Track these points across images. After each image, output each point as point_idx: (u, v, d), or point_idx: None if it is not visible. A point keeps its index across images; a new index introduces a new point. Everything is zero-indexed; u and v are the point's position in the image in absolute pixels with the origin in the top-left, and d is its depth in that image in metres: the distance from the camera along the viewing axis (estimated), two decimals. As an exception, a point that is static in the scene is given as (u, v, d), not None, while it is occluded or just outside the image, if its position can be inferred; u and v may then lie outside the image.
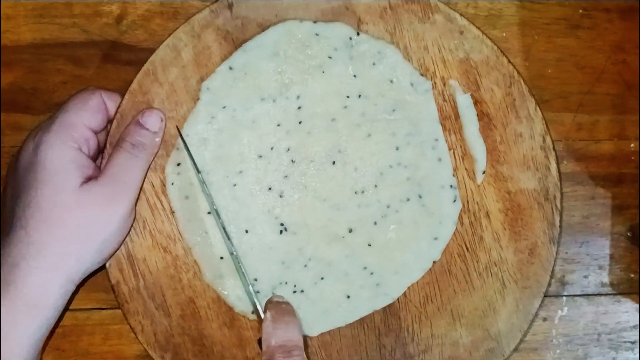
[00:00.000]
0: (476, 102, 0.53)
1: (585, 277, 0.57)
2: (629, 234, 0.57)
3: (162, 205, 0.52)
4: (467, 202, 0.53)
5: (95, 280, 0.53)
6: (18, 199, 0.46)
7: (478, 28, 0.53)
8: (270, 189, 0.52)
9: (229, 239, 0.50)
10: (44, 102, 0.55)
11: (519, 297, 0.53)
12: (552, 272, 0.54)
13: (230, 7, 0.52)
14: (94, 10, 0.55)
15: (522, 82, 0.53)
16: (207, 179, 0.51)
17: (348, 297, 0.52)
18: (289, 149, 0.52)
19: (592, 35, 0.57)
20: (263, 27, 0.52)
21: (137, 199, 0.50)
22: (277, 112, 0.52)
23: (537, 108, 0.53)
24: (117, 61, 0.55)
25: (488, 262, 0.53)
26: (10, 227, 0.46)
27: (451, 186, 0.53)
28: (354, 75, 0.52)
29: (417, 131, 0.52)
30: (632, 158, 0.57)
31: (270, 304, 0.45)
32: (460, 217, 0.53)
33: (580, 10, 0.57)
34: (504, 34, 0.56)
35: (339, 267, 0.52)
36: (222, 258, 0.52)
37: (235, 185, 0.52)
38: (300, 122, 0.52)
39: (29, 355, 0.45)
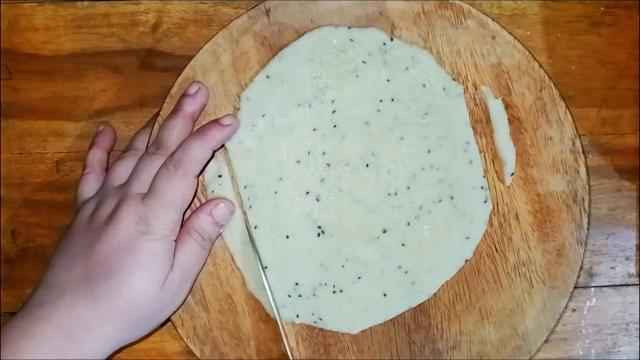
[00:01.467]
0: (507, 106, 0.54)
1: (613, 268, 0.58)
2: None
3: (200, 203, 0.53)
4: (497, 203, 0.54)
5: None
6: (104, 275, 0.47)
7: (510, 33, 0.54)
8: (307, 193, 0.54)
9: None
10: (84, 109, 0.57)
11: (547, 297, 0.54)
12: (580, 272, 0.55)
13: (267, 13, 0.53)
14: (131, 19, 0.56)
15: (553, 87, 0.54)
16: (252, 192, 0.53)
17: (385, 295, 0.54)
18: (324, 153, 0.53)
19: (614, 32, 0.58)
20: (299, 33, 0.53)
21: None
22: (312, 116, 0.53)
23: (567, 112, 0.54)
24: (154, 68, 0.57)
25: (517, 262, 0.54)
26: (88, 294, 0.47)
27: (482, 187, 0.54)
28: (388, 80, 0.53)
29: (448, 134, 0.54)
30: None
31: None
32: (490, 219, 0.54)
33: (602, 8, 0.57)
34: (528, 33, 0.57)
35: (375, 266, 0.54)
36: (266, 268, 0.54)
37: (276, 192, 0.53)
38: (335, 126, 0.53)
39: None
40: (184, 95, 0.52)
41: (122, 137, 0.57)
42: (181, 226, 0.50)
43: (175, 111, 0.51)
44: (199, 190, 0.53)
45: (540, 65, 0.54)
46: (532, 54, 0.54)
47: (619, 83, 0.58)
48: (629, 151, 0.58)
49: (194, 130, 0.52)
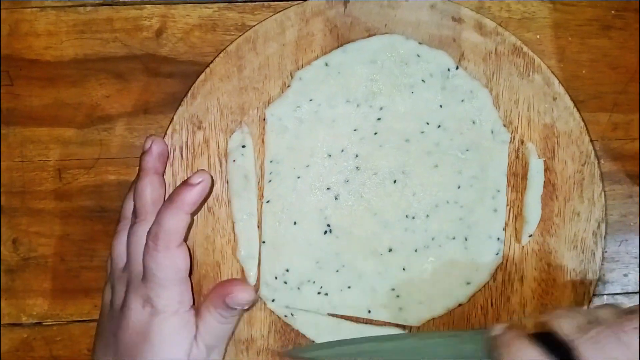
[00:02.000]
0: (546, 169, 0.53)
1: (625, 275, 0.57)
2: None
3: (221, 168, 0.53)
4: (507, 260, 0.53)
5: None
6: None
7: (571, 99, 0.53)
8: (328, 188, 0.53)
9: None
10: (87, 115, 0.55)
11: (525, 367, 0.53)
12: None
13: (345, 4, 0.53)
14: (134, 24, 0.55)
15: (596, 165, 0.53)
16: (276, 168, 0.52)
17: (369, 311, 0.53)
18: (357, 156, 0.53)
19: (625, 36, 0.57)
20: (369, 32, 0.53)
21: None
22: (357, 117, 0.53)
23: (602, 194, 0.53)
24: (158, 74, 0.55)
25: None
26: None
27: (498, 239, 0.53)
28: (440, 106, 0.53)
29: (482, 177, 0.53)
30: None
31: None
32: (495, 272, 0.53)
33: (612, 11, 0.57)
34: (538, 37, 0.56)
35: (368, 281, 0.53)
36: (264, 242, 0.53)
37: (299, 177, 0.52)
38: (375, 133, 0.53)
39: None
40: (142, 153, 0.50)
41: (126, 144, 0.55)
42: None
43: (139, 173, 0.50)
44: (224, 144, 0.52)
45: (591, 140, 0.53)
46: (586, 127, 0.53)
47: (630, 87, 0.57)
48: None
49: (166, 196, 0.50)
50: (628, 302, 0.57)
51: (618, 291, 0.57)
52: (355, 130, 0.53)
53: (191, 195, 0.47)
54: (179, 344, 0.48)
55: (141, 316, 0.47)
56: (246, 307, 0.50)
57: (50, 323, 0.56)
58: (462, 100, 0.53)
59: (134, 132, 0.55)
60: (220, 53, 0.53)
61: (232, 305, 0.49)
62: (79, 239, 0.56)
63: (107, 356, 0.49)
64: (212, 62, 0.52)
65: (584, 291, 0.53)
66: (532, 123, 0.53)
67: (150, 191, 0.49)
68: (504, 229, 0.53)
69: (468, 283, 0.53)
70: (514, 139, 0.53)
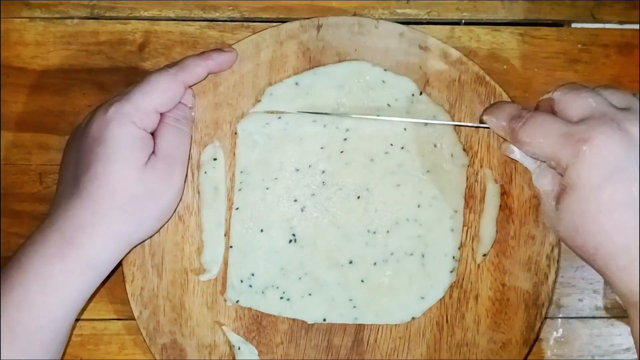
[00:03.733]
0: (503, 194, 0.56)
1: (580, 300, 0.59)
2: None
3: (192, 179, 0.55)
4: (463, 279, 0.56)
5: (113, 292, 0.56)
6: (85, 169, 0.48)
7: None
8: (295, 200, 0.55)
9: None
10: (69, 123, 0.57)
11: (478, 384, 0.55)
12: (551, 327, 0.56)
13: (318, 28, 0.55)
14: (119, 38, 0.58)
15: (551, 191, 0.56)
16: (246, 179, 0.55)
17: (324, 320, 0.55)
18: (324, 172, 0.55)
19: (590, 69, 0.59)
20: (340, 57, 0.56)
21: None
22: (324, 136, 0.55)
23: (556, 220, 0.55)
24: None
25: (461, 340, 0.55)
26: (76, 193, 0.48)
27: (453, 257, 0.55)
28: (404, 129, 0.56)
29: (441, 197, 0.55)
30: None
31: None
32: (450, 290, 0.55)
33: (579, 45, 0.59)
34: (505, 67, 0.59)
35: (328, 290, 0.55)
36: (231, 247, 0.55)
37: (267, 188, 0.55)
38: (342, 152, 0.55)
39: (77, 309, 0.49)
40: (219, 50, 0.54)
41: None
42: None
43: (206, 54, 0.53)
44: (197, 155, 0.55)
45: (547, 168, 0.56)
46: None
47: None
48: None
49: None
50: (582, 327, 0.59)
51: (573, 315, 0.59)
52: (322, 148, 0.55)
53: (219, 57, 0.53)
54: (131, 155, 0.48)
55: (101, 123, 0.48)
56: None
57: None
58: (425, 125, 0.55)
59: None
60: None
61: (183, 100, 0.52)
62: (55, 241, 0.57)
63: (66, 175, 0.50)
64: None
65: (536, 312, 0.55)
66: (491, 148, 0.56)
67: (201, 67, 0.52)
68: (459, 248, 0.56)
69: (422, 298, 0.55)
70: (473, 163, 0.56)
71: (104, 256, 0.49)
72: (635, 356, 0.58)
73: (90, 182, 0.48)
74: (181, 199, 0.53)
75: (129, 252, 0.52)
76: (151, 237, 0.53)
